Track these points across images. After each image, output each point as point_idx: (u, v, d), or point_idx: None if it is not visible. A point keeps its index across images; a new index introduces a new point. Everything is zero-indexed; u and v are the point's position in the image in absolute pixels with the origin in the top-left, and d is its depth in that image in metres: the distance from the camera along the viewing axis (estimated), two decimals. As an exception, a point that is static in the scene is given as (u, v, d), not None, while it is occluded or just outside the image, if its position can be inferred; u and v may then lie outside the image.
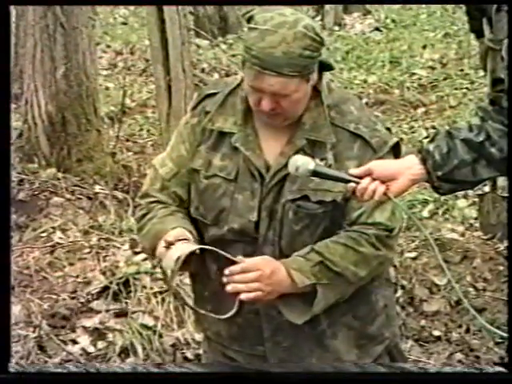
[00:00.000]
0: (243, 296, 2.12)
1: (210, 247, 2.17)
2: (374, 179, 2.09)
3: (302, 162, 2.10)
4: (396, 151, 2.26)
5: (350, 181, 2.10)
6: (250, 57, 2.12)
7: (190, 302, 2.38)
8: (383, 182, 2.09)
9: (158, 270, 3.87)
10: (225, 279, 2.12)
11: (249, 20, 2.15)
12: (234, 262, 2.13)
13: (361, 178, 2.09)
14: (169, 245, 2.15)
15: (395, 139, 2.28)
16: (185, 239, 2.18)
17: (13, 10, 6.23)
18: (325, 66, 2.22)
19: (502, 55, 2.18)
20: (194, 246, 2.15)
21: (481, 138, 2.10)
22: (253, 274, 2.12)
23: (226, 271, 2.12)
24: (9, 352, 2.18)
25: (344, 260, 2.19)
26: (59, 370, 2.19)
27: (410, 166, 2.12)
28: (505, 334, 2.24)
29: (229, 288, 2.12)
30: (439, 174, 2.11)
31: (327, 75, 2.29)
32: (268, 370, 2.21)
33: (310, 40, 2.12)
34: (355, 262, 2.20)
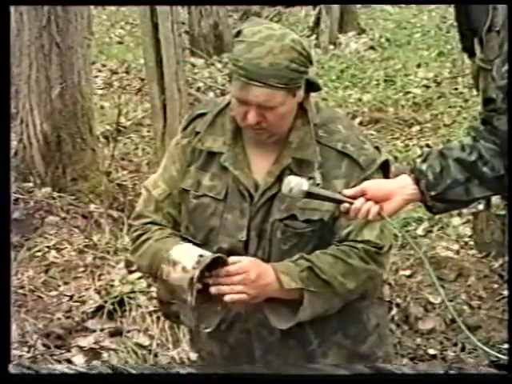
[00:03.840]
0: (227, 297, 2.12)
1: (222, 255, 2.15)
2: (368, 199, 2.10)
3: (296, 183, 2.11)
4: (385, 169, 2.28)
5: (343, 201, 2.11)
6: (236, 68, 2.14)
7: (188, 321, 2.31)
8: (377, 202, 2.10)
9: (153, 289, 3.86)
10: (210, 281, 2.13)
11: (237, 34, 2.18)
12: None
13: (354, 198, 2.11)
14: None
15: (384, 157, 2.29)
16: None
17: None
18: (312, 86, 2.24)
19: (492, 75, 2.19)
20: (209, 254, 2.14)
21: (473, 158, 2.12)
22: (238, 277, 2.12)
23: (213, 273, 2.12)
24: (9, 353, 2.17)
25: (332, 269, 2.19)
26: (59, 371, 2.17)
27: (403, 185, 2.13)
28: (499, 355, 2.23)
29: (213, 290, 2.12)
30: (432, 193, 2.12)
31: (318, 94, 2.30)
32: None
33: (297, 53, 2.14)
34: (344, 273, 2.20)
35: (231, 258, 2.14)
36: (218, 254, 2.13)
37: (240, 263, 2.14)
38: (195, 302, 2.10)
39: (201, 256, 2.11)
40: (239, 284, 2.12)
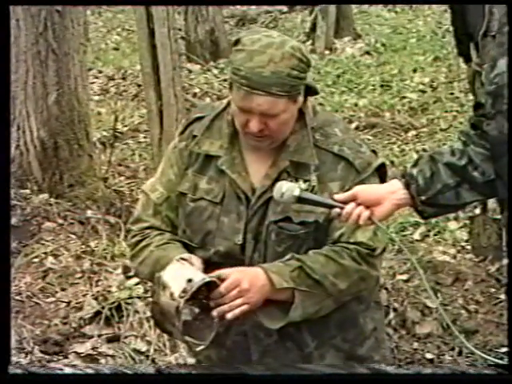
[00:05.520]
0: (229, 315, 2.13)
1: (212, 279, 2.15)
2: (359, 204, 2.11)
3: (287, 188, 2.12)
4: (381, 173, 2.29)
5: (334, 206, 2.12)
6: (238, 78, 2.15)
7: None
8: (367, 207, 2.11)
9: (150, 294, 3.87)
10: (197, 302, 2.13)
11: (236, 43, 2.19)
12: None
13: (345, 203, 2.12)
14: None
15: (380, 161, 2.30)
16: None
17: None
18: (310, 90, 2.25)
19: (481, 80, 2.20)
20: (204, 276, 2.14)
21: (463, 162, 2.13)
22: (233, 293, 2.13)
23: (210, 296, 2.13)
24: (9, 353, 2.17)
25: (324, 269, 2.20)
26: (59, 372, 2.17)
27: (393, 190, 2.14)
28: (496, 360, 2.24)
29: (214, 313, 2.13)
30: (423, 198, 2.13)
31: (315, 98, 2.31)
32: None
33: (298, 60, 2.15)
34: (335, 273, 2.21)
35: (219, 274, 2.14)
36: (205, 280, 2.11)
37: (229, 280, 2.14)
38: (190, 316, 2.11)
39: (189, 281, 2.09)
40: (237, 298, 2.13)
